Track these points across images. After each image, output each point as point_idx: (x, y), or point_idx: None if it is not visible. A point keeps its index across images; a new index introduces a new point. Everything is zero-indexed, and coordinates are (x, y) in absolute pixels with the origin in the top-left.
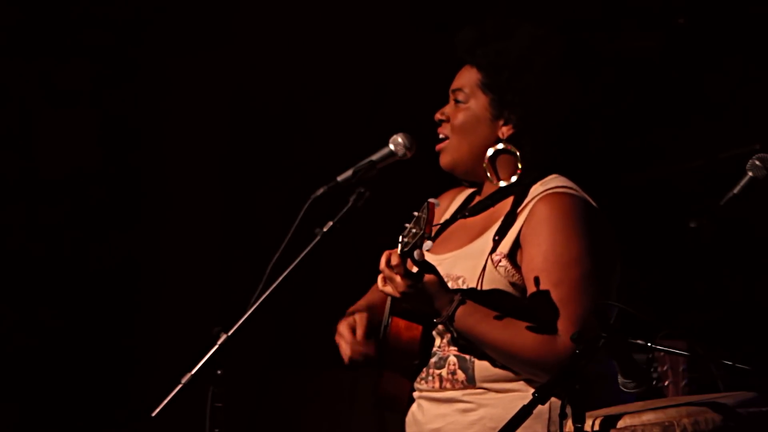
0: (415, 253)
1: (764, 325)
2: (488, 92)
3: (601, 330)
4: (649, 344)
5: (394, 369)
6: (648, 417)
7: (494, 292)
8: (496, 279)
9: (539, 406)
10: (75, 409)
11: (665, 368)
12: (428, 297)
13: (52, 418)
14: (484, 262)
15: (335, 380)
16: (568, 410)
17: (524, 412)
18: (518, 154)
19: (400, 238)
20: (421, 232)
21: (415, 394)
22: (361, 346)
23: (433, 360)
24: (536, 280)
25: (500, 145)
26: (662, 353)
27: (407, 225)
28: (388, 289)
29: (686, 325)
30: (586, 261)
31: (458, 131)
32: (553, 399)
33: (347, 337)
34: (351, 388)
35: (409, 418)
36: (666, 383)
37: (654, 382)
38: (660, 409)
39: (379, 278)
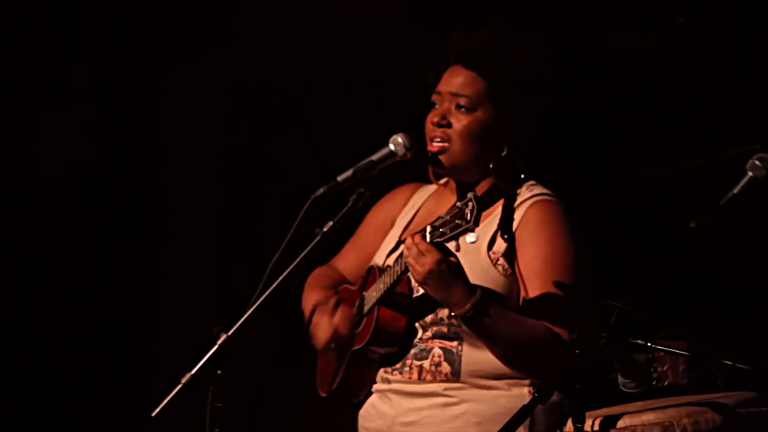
0: (452, 245)
1: (764, 324)
2: (499, 105)
3: (601, 330)
4: (649, 344)
5: (366, 356)
6: (648, 417)
7: (501, 290)
8: (495, 277)
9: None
10: (75, 409)
11: (665, 368)
12: (451, 283)
13: (52, 418)
14: (483, 259)
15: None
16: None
17: (524, 412)
18: (522, 164)
19: (429, 227)
20: (467, 224)
21: (380, 386)
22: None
23: (413, 351)
24: (537, 281)
25: (507, 154)
26: (662, 353)
27: (442, 216)
28: (412, 262)
29: (686, 325)
30: (579, 263)
31: (464, 139)
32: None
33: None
34: None
35: (366, 411)
36: (666, 383)
37: (654, 382)
38: (660, 409)
39: (407, 250)
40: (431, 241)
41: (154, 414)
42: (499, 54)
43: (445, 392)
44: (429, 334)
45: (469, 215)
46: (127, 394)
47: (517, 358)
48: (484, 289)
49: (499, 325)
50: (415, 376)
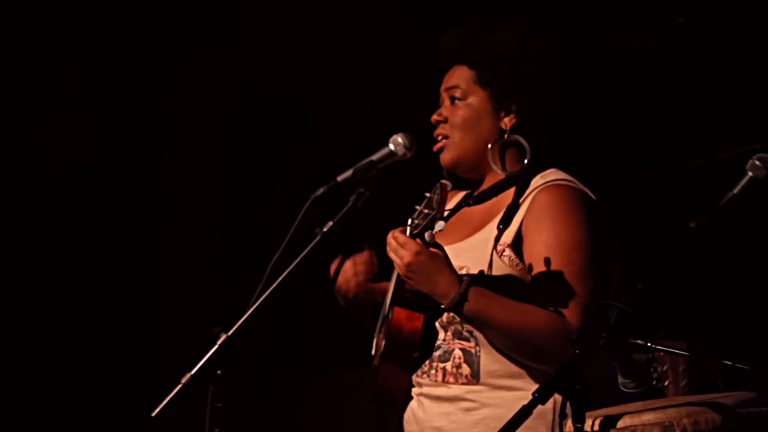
0: (426, 235)
1: (764, 325)
2: (487, 86)
3: (601, 330)
4: (649, 344)
5: (394, 361)
6: (648, 417)
7: (499, 278)
8: (501, 268)
9: (542, 406)
10: (75, 409)
11: (665, 368)
12: (434, 274)
13: (52, 418)
14: (489, 252)
15: (335, 380)
16: (568, 410)
17: (524, 413)
18: (526, 144)
19: (410, 221)
20: (434, 212)
21: (415, 391)
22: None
23: (437, 353)
24: (539, 265)
25: (509, 137)
26: (662, 353)
27: (417, 207)
28: (393, 257)
29: (686, 325)
30: (588, 247)
31: (461, 128)
32: (557, 398)
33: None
34: (351, 388)
35: (407, 416)
36: (666, 383)
37: (654, 382)
38: (660, 409)
39: (388, 245)
40: (410, 234)
41: (154, 414)
42: (478, 38)
43: (467, 396)
44: (449, 334)
45: (434, 203)
46: (127, 394)
47: (518, 345)
48: (480, 280)
49: (492, 312)
50: (439, 378)
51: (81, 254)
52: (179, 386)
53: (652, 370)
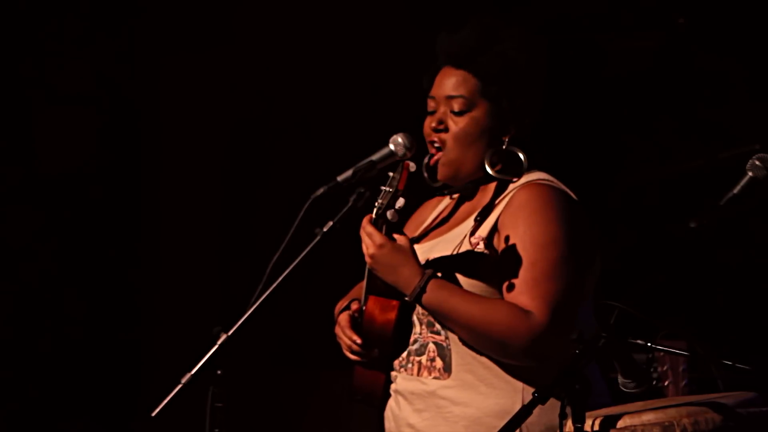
0: (388, 214)
1: (764, 325)
2: (492, 100)
3: (601, 330)
4: (649, 344)
5: (371, 354)
6: (648, 417)
7: (466, 269)
8: (473, 261)
9: (513, 407)
10: (74, 409)
11: (665, 368)
12: (397, 266)
13: (52, 418)
14: (460, 246)
15: (335, 380)
16: (568, 410)
17: (524, 413)
18: (523, 157)
19: (376, 203)
20: (393, 191)
21: (392, 386)
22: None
23: (414, 347)
24: (511, 260)
25: (507, 147)
26: (662, 353)
27: (383, 188)
28: (363, 247)
29: (686, 325)
30: (561, 245)
31: (462, 141)
32: (525, 400)
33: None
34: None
35: (386, 413)
36: (666, 383)
37: (654, 382)
38: (660, 409)
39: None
40: (375, 214)
41: (154, 414)
42: (486, 48)
43: (439, 392)
44: (424, 327)
45: (395, 182)
46: (127, 394)
47: (479, 339)
48: (447, 273)
49: (451, 305)
50: (415, 372)
51: (81, 254)
52: (179, 386)
53: (652, 370)
